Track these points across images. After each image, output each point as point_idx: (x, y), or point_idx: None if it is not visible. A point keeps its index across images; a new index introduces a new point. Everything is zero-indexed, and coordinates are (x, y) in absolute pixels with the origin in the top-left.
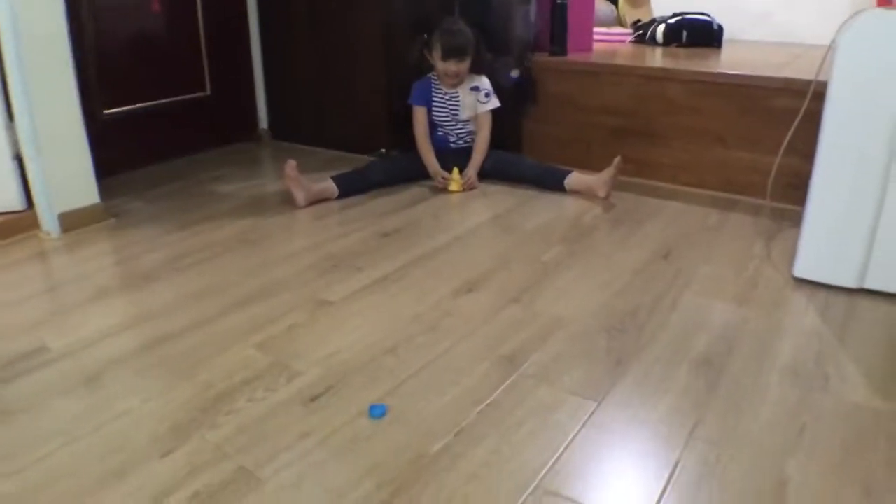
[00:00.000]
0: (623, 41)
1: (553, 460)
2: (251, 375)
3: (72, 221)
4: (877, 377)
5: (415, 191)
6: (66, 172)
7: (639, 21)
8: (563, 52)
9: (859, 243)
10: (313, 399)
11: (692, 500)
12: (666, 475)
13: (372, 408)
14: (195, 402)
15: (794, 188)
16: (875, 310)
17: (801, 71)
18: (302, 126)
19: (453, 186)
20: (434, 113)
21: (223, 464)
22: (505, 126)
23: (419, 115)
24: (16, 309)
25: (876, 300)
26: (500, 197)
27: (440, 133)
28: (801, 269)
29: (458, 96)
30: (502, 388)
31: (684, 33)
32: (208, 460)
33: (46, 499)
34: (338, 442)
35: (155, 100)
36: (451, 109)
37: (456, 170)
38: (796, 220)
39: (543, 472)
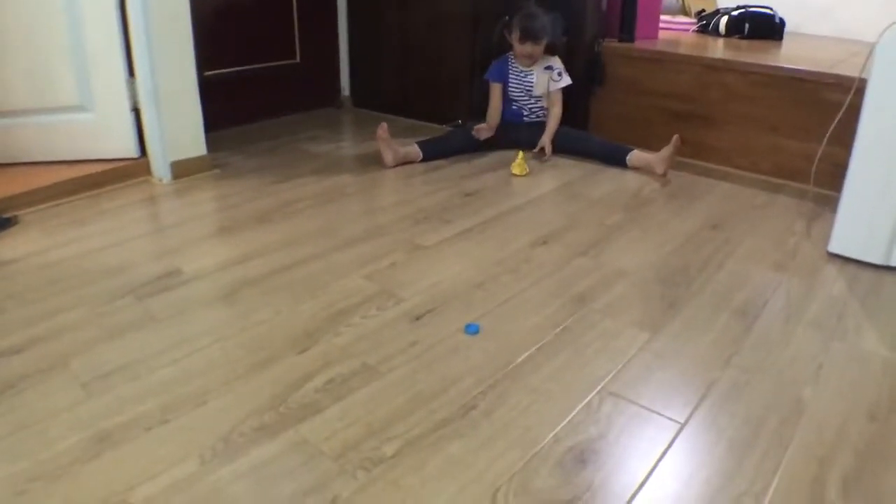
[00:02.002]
0: (687, 30)
1: (615, 371)
2: (363, 299)
3: (182, 170)
4: (889, 335)
5: (492, 158)
6: (179, 125)
7: (703, 11)
8: (631, 38)
9: (888, 225)
10: (418, 318)
11: (725, 409)
12: (704, 389)
13: (468, 326)
14: (320, 316)
15: (837, 176)
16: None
17: (852, 68)
18: (382, 95)
19: (516, 170)
20: (510, 89)
21: (349, 360)
22: (574, 105)
23: (495, 90)
24: (144, 241)
25: None
26: (568, 169)
27: (515, 107)
28: (835, 245)
29: (532, 74)
30: (573, 317)
31: (746, 25)
32: (337, 357)
33: (206, 381)
34: (441, 349)
35: (249, 64)
36: (526, 86)
37: (521, 154)
38: (836, 206)
39: (607, 379)
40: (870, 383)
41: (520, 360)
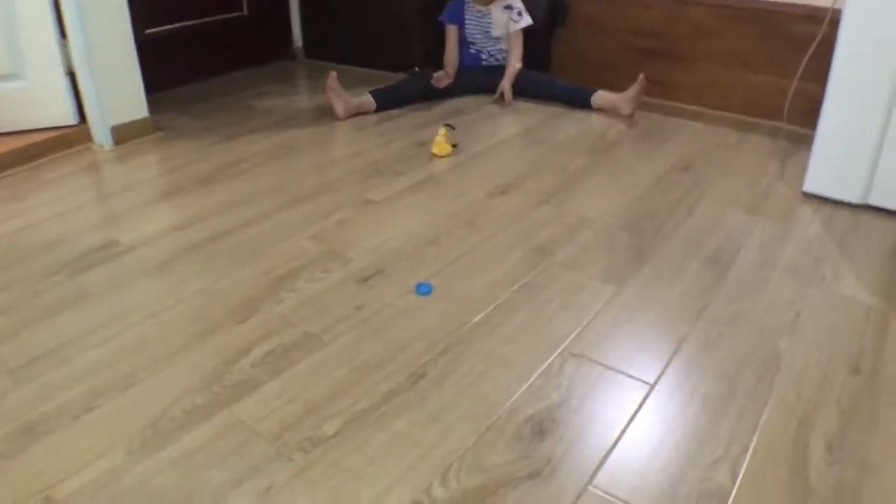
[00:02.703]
0: None
1: (578, 330)
2: (308, 261)
3: (123, 134)
4: (869, 279)
5: (449, 106)
6: (117, 87)
7: None
8: None
9: (864, 162)
10: (366, 279)
11: (697, 366)
12: (674, 345)
13: (418, 286)
14: (261, 282)
15: (811, 113)
16: (875, 223)
17: None
18: (336, 45)
19: (436, 149)
20: (467, 30)
21: (290, 330)
22: (535, 47)
23: (451, 33)
24: (81, 212)
25: (877, 215)
26: (530, 113)
27: (473, 51)
28: (810, 184)
29: (490, 15)
30: (534, 272)
31: None
32: (278, 327)
33: (137, 360)
34: (389, 313)
35: (192, 19)
36: (483, 28)
37: (442, 131)
38: (811, 144)
39: (570, 338)
40: (851, 332)
41: (474, 321)
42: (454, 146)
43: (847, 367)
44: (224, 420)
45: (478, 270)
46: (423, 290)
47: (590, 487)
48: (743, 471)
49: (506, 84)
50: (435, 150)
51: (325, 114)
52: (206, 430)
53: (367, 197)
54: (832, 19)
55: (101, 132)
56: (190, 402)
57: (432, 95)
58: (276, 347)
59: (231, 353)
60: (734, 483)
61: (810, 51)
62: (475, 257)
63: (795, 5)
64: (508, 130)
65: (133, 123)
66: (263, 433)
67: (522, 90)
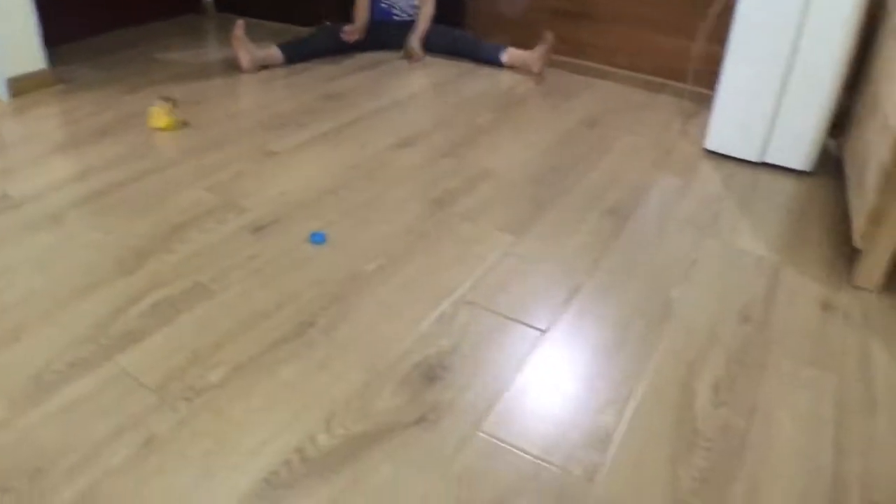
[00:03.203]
0: None
1: (473, 279)
2: (202, 212)
3: (21, 87)
4: (764, 232)
5: (359, 59)
6: (12, 37)
7: None
8: None
9: (762, 122)
10: (260, 229)
11: (590, 314)
12: (569, 293)
13: (312, 235)
14: (153, 234)
15: (715, 74)
16: (772, 181)
17: None
18: None
19: (156, 122)
20: None
21: (181, 279)
22: (449, 2)
23: None
24: None
25: (774, 173)
26: (440, 68)
27: (384, 5)
28: (712, 142)
29: None
30: (431, 222)
31: None
32: (168, 277)
33: (23, 314)
34: (283, 262)
35: None
36: None
37: (162, 104)
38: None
39: (464, 287)
40: (743, 283)
41: (368, 270)
42: (183, 122)
43: (737, 316)
44: (108, 371)
45: (374, 221)
46: (317, 239)
47: (477, 433)
48: (630, 414)
49: (414, 41)
50: (155, 123)
51: (232, 67)
52: (89, 381)
53: (269, 149)
54: None
55: None
56: (74, 355)
57: (342, 49)
58: (164, 298)
59: (118, 305)
60: (621, 426)
61: (714, 13)
62: (372, 208)
63: None
64: (417, 85)
65: (31, 76)
66: (147, 383)
67: (433, 46)
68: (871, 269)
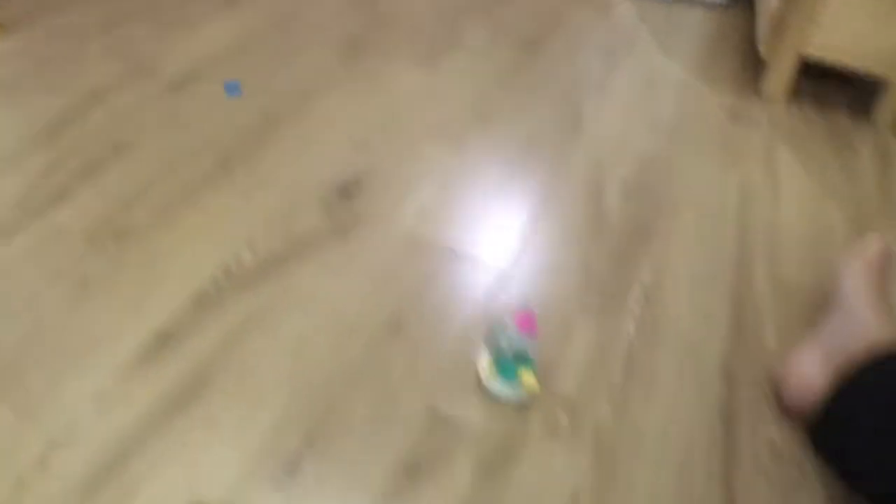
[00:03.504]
0: None
1: (389, 109)
2: (118, 77)
3: None
4: (678, 55)
5: None
6: None
7: None
8: None
9: None
10: (177, 87)
11: (505, 128)
12: (484, 113)
13: (227, 86)
14: (69, 103)
15: None
16: (688, 13)
17: None
18: None
19: None
20: None
21: (100, 142)
22: None
23: None
24: None
25: (691, 7)
26: None
27: None
28: None
29: None
30: (350, 63)
31: None
32: (87, 142)
33: None
34: (201, 114)
35: None
36: None
37: None
38: None
39: (381, 117)
40: (655, 98)
41: (285, 111)
42: None
43: (647, 126)
44: (39, 228)
45: (289, 68)
46: (232, 90)
47: (396, 235)
48: (542, 211)
49: None
50: None
51: None
52: (21, 239)
53: (184, 9)
54: None
55: None
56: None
57: None
58: (86, 160)
59: (41, 171)
60: (534, 222)
61: None
62: (284, 55)
63: None
64: None
65: None
66: (77, 232)
67: None
68: (776, 80)
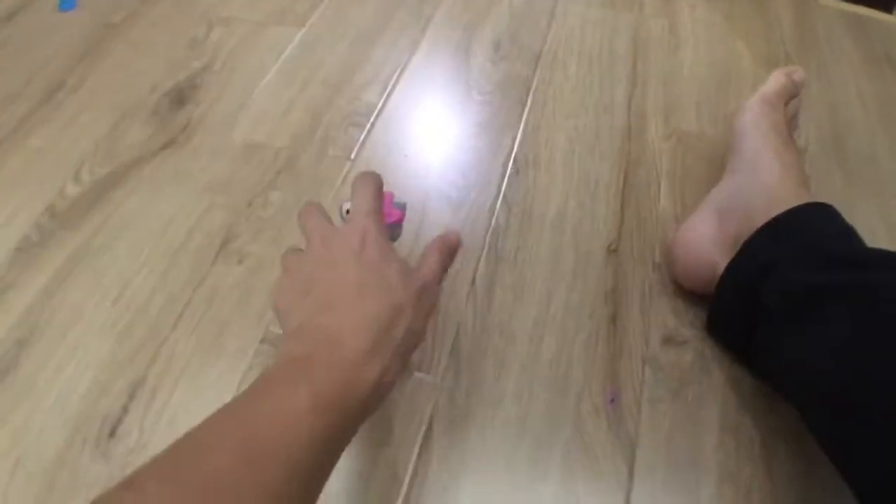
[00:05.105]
0: None
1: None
2: None
3: None
4: None
5: None
6: None
7: None
8: None
9: None
10: (8, 18)
11: (351, 4)
12: None
13: (61, 2)
14: None
15: None
16: None
17: None
18: None
19: None
20: None
21: None
22: None
23: None
24: None
25: None
26: None
27: None
28: None
29: None
30: None
31: None
32: None
33: None
34: (32, 38)
35: None
36: None
37: None
38: None
39: (217, 6)
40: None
41: (117, 20)
42: None
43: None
44: None
45: None
46: (66, 3)
47: (228, 141)
48: (398, 86)
49: None
50: None
51: None
52: None
53: None
54: None
55: None
56: None
57: None
58: None
59: None
60: (387, 98)
61: None
62: None
63: None
64: None
65: None
66: None
67: None
68: None
